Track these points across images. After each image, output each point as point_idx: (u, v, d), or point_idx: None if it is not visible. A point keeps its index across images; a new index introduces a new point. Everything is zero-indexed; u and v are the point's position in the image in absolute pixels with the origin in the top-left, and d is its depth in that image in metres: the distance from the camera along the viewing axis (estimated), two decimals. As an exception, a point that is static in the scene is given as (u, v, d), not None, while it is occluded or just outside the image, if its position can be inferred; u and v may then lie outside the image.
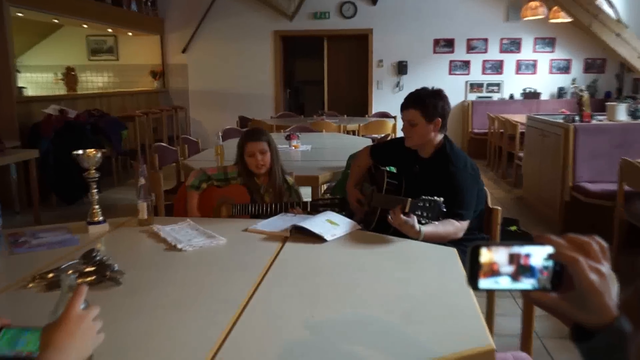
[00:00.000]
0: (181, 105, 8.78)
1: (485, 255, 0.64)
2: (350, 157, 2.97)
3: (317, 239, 1.77)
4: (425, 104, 2.14)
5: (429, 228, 1.82)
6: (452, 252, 1.66)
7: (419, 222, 1.79)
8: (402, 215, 1.77)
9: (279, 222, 1.98)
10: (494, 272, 0.64)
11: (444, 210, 1.75)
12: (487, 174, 6.68)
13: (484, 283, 0.64)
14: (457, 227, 1.98)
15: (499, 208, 2.10)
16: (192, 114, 8.91)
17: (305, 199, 2.35)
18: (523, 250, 0.64)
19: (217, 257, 1.67)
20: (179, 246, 1.72)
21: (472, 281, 0.65)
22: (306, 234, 1.80)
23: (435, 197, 1.76)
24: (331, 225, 1.86)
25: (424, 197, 1.78)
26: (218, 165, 2.91)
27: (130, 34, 8.50)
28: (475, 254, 0.64)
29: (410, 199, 1.80)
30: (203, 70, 8.72)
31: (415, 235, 1.79)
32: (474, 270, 0.64)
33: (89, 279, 1.39)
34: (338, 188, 2.99)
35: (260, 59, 8.57)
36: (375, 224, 2.20)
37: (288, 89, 9.63)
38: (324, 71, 8.97)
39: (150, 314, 1.25)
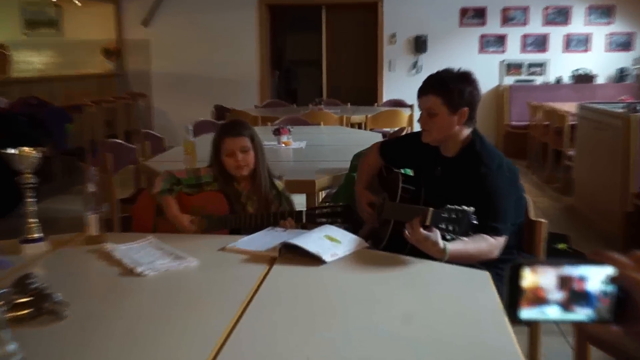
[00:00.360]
0: (142, 91, 8.79)
1: (529, 277, 0.63)
2: (355, 157, 2.97)
3: (313, 260, 1.76)
4: (449, 89, 2.14)
5: (455, 245, 1.82)
6: (485, 276, 1.66)
7: (443, 238, 1.79)
8: (421, 230, 1.77)
9: (265, 239, 1.98)
10: (539, 299, 0.63)
11: (475, 222, 1.75)
12: (529, 177, 6.69)
13: (527, 313, 0.64)
14: (491, 244, 1.98)
15: (544, 221, 2.11)
16: (156, 102, 8.92)
17: (298, 209, 2.34)
18: (576, 271, 0.64)
19: (187, 284, 1.67)
20: (138, 270, 1.71)
21: (512, 311, 0.64)
22: (299, 253, 1.79)
23: (464, 207, 1.76)
24: (331, 243, 1.86)
25: (449, 206, 1.78)
26: (188, 168, 2.90)
27: (77, 2, 8.51)
28: (516, 276, 0.63)
29: (431, 209, 1.81)
30: (170, 48, 8.74)
31: (439, 255, 1.79)
32: (514, 297, 0.64)
33: (23, 312, 1.38)
34: (340, 195, 2.99)
35: (242, 34, 8.59)
36: (387, 241, 2.20)
37: (277, 71, 9.65)
38: (322, 49, 9.00)
39: (101, 356, 1.24)
